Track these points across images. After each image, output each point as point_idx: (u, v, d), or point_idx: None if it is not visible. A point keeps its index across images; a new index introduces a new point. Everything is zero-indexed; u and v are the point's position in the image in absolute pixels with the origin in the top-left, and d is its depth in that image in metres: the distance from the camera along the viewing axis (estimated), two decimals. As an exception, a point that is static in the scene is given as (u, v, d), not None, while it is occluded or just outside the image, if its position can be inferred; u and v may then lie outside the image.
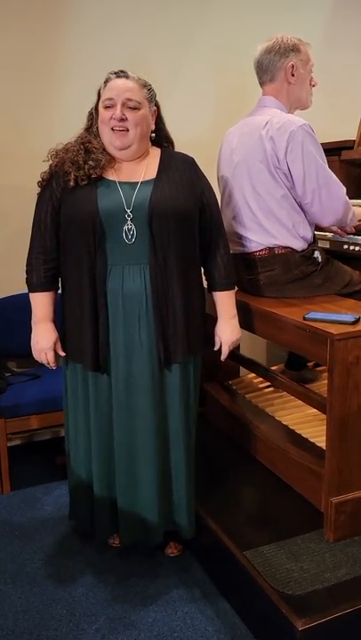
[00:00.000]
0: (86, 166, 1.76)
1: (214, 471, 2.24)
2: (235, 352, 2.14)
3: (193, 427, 1.96)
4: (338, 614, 1.56)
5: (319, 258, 2.19)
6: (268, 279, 2.20)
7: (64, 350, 1.91)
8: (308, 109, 2.29)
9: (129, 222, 1.75)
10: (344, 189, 2.12)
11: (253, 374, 2.66)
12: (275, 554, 1.77)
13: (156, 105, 1.87)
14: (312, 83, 2.22)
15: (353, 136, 2.74)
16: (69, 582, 2.00)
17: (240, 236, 2.23)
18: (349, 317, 1.84)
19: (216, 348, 2.00)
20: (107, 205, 1.75)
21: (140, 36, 2.78)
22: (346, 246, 2.43)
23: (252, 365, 2.52)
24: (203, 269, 1.96)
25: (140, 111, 1.78)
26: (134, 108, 1.77)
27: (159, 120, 1.90)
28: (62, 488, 2.51)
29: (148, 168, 1.83)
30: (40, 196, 1.85)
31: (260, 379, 2.62)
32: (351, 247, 2.41)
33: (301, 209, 2.15)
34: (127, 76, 1.79)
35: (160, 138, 1.92)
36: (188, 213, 1.82)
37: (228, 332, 1.97)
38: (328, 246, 2.49)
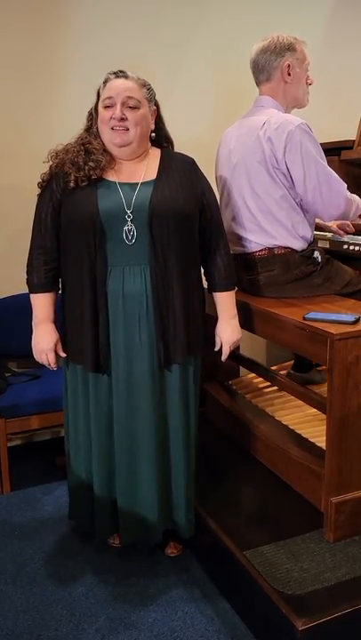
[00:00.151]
0: (86, 167, 1.76)
1: (214, 471, 2.24)
2: (235, 352, 2.14)
3: (193, 427, 1.96)
4: (338, 614, 1.57)
5: (319, 258, 2.20)
6: (267, 279, 2.20)
7: (64, 351, 1.91)
8: (307, 109, 2.29)
9: (129, 223, 1.75)
10: (345, 185, 2.12)
11: (253, 374, 2.66)
12: (275, 554, 1.77)
13: (156, 104, 1.87)
14: (308, 81, 2.22)
15: (353, 136, 2.74)
16: (69, 582, 2.00)
17: (240, 237, 2.23)
18: (349, 317, 1.84)
19: (217, 349, 2.00)
20: (107, 206, 1.75)
21: (140, 35, 2.78)
22: (346, 246, 2.43)
23: (252, 365, 2.52)
24: (203, 270, 1.96)
25: (139, 110, 1.78)
26: (134, 108, 1.77)
27: (159, 120, 1.90)
28: (62, 488, 2.51)
29: (148, 169, 1.83)
30: (40, 196, 1.85)
31: (260, 379, 2.62)
32: (351, 247, 2.41)
33: (301, 209, 2.15)
34: (126, 76, 1.79)
35: (160, 137, 1.92)
36: (189, 214, 1.82)
37: (228, 332, 1.97)
38: (328, 246, 2.50)
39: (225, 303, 1.97)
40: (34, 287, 1.87)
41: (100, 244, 1.76)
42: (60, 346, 1.90)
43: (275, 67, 2.14)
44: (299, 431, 2.22)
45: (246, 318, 2.17)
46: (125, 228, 1.76)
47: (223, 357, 2.00)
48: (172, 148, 1.97)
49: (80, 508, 2.05)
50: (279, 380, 2.31)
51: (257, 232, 2.18)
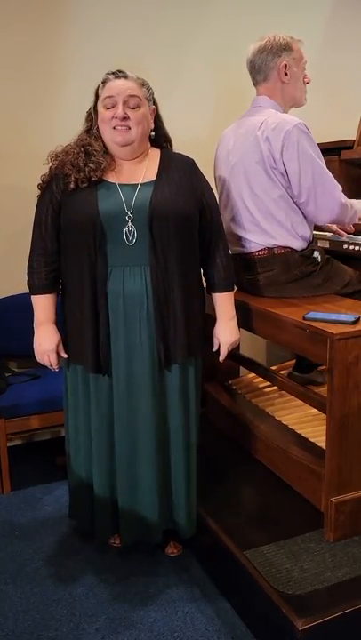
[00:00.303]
0: (87, 169, 1.76)
1: (214, 471, 2.24)
2: (235, 352, 2.14)
3: (194, 427, 1.96)
4: (338, 614, 1.56)
5: (319, 258, 2.20)
6: (267, 279, 2.20)
7: (65, 352, 1.91)
8: (307, 109, 2.29)
9: (129, 224, 1.75)
10: (340, 188, 2.12)
11: (253, 374, 2.66)
12: (275, 554, 1.77)
13: (155, 103, 1.87)
14: (306, 80, 2.22)
15: (352, 136, 2.74)
16: (69, 582, 2.00)
17: (239, 237, 2.23)
18: (349, 317, 1.84)
19: (215, 349, 2.00)
20: (107, 207, 1.75)
21: (140, 35, 2.78)
22: (345, 246, 2.43)
23: (252, 365, 2.52)
24: (202, 270, 1.96)
25: (140, 109, 1.78)
26: (135, 107, 1.77)
27: (157, 119, 1.90)
28: (62, 488, 2.51)
29: (148, 169, 1.83)
30: (40, 198, 1.85)
31: (260, 379, 2.62)
32: (351, 247, 2.41)
33: (300, 208, 2.15)
34: (126, 76, 1.79)
35: (159, 137, 1.92)
36: (189, 215, 1.82)
37: (226, 333, 1.97)
38: (328, 246, 2.50)
39: (224, 304, 1.97)
40: (35, 289, 1.87)
41: (100, 245, 1.76)
42: (61, 347, 1.90)
43: (272, 67, 2.14)
44: (299, 431, 2.22)
45: (246, 318, 2.17)
46: (126, 228, 1.76)
47: (221, 358, 2.00)
48: (171, 146, 1.97)
49: (80, 507, 2.05)
50: (279, 380, 2.31)
51: (256, 232, 2.18)
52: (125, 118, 1.76)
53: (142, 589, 1.96)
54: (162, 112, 1.92)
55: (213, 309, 2.00)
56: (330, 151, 2.66)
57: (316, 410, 2.08)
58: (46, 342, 1.88)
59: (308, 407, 2.25)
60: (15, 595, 1.96)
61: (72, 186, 1.76)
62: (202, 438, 2.01)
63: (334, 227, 2.43)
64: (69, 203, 1.79)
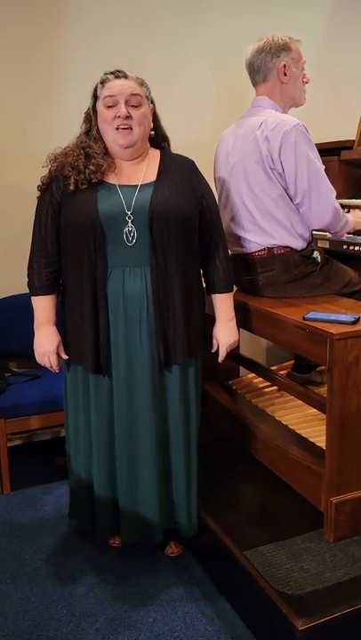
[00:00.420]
0: (87, 171, 1.76)
1: (214, 471, 2.24)
2: (234, 352, 2.14)
3: (194, 427, 1.96)
4: (338, 614, 1.56)
5: (318, 258, 2.20)
6: (267, 279, 2.20)
7: (65, 353, 1.91)
8: (307, 110, 2.29)
9: (129, 224, 1.75)
10: (334, 193, 2.11)
11: (253, 374, 2.66)
12: (275, 554, 1.77)
13: (152, 102, 1.87)
14: (305, 80, 2.22)
15: (352, 136, 2.74)
16: (69, 582, 2.00)
17: (239, 237, 2.23)
18: (349, 317, 1.84)
19: (214, 350, 2.00)
20: (107, 208, 1.75)
21: (139, 35, 2.78)
22: (345, 246, 2.44)
23: (251, 365, 2.52)
24: (201, 271, 1.96)
25: (142, 108, 1.78)
26: (137, 106, 1.77)
27: (155, 118, 1.90)
28: (62, 488, 2.51)
29: (147, 170, 1.83)
30: (40, 199, 1.85)
31: (260, 379, 2.62)
32: (351, 247, 2.41)
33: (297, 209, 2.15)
34: (126, 76, 1.79)
35: (157, 136, 1.91)
36: (188, 215, 1.82)
37: (226, 334, 1.97)
38: (328, 246, 2.50)
39: (223, 305, 1.97)
40: (35, 290, 1.87)
41: (100, 246, 1.76)
42: (62, 348, 1.90)
43: (271, 67, 2.14)
44: (299, 431, 2.22)
45: (246, 318, 2.17)
46: (125, 229, 1.75)
47: (220, 359, 2.00)
48: (169, 145, 1.96)
49: (81, 507, 2.05)
50: (279, 380, 2.31)
51: (256, 232, 2.18)
52: (128, 117, 1.75)
53: (142, 589, 1.96)
54: (162, 112, 1.92)
55: (213, 309, 2.00)
56: (330, 151, 2.66)
57: (315, 410, 2.08)
58: (46, 344, 1.88)
59: (307, 407, 2.25)
60: (15, 595, 1.96)
61: (72, 187, 1.76)
62: (202, 438, 2.01)
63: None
64: (69, 204, 1.79)
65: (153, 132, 1.87)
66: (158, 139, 1.92)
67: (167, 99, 2.03)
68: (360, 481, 1.85)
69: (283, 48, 2.13)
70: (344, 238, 2.42)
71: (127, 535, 1.97)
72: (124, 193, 1.78)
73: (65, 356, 1.90)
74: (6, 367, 2.75)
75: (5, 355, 2.74)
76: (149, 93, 1.84)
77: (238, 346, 2.20)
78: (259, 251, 2.19)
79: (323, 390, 2.06)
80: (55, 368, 1.90)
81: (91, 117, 1.84)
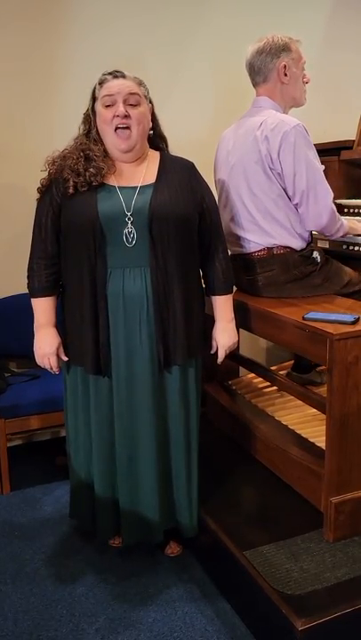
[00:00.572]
0: (87, 173, 1.75)
1: (214, 471, 2.24)
2: (234, 352, 2.14)
3: (194, 428, 1.96)
4: (338, 614, 1.57)
5: (318, 258, 2.20)
6: (267, 279, 2.20)
7: (65, 354, 1.91)
8: (307, 109, 2.29)
9: (129, 226, 1.75)
10: (332, 195, 2.11)
11: (253, 374, 2.66)
12: (275, 554, 1.77)
13: (150, 102, 1.87)
14: (305, 80, 2.21)
15: (352, 136, 2.73)
16: (69, 582, 2.00)
17: (238, 237, 2.23)
18: (349, 317, 1.84)
19: (213, 352, 2.00)
20: (106, 209, 1.75)
21: (139, 34, 2.78)
22: (345, 246, 2.43)
23: (251, 365, 2.52)
24: (201, 273, 1.96)
25: (140, 108, 1.78)
26: (136, 105, 1.77)
27: (153, 118, 1.89)
28: (62, 488, 2.51)
29: (147, 172, 1.83)
30: (40, 201, 1.85)
31: (260, 379, 2.62)
32: (350, 247, 2.41)
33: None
34: (124, 76, 1.79)
35: (155, 136, 1.91)
36: (188, 217, 1.82)
37: (225, 336, 1.98)
38: (327, 246, 2.50)
39: (222, 307, 1.97)
40: (35, 291, 1.87)
41: (100, 247, 1.76)
42: (61, 349, 1.90)
43: (271, 68, 2.14)
44: (299, 431, 2.22)
45: (246, 318, 2.17)
46: (125, 230, 1.75)
47: (219, 360, 2.01)
48: (167, 145, 1.96)
49: (81, 507, 2.05)
50: (279, 381, 2.31)
51: (256, 232, 2.18)
52: (127, 116, 1.75)
53: (142, 589, 1.96)
54: (161, 112, 1.92)
55: (212, 310, 2.00)
56: (330, 151, 2.66)
57: (315, 410, 2.08)
58: (46, 345, 1.88)
59: (307, 407, 2.25)
60: (15, 595, 1.96)
61: (71, 190, 1.75)
62: (202, 438, 2.01)
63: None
64: (69, 205, 1.79)
65: (152, 132, 1.87)
66: (156, 139, 1.92)
67: (167, 99, 2.02)
68: (360, 481, 1.85)
69: (283, 48, 2.13)
70: (344, 239, 2.41)
71: (127, 535, 1.97)
72: (123, 194, 1.77)
73: (65, 358, 1.90)
74: (6, 367, 2.75)
75: (5, 355, 2.75)
76: (148, 93, 1.84)
77: (238, 346, 2.20)
78: (258, 251, 2.19)
79: (322, 390, 2.06)
80: (55, 370, 1.90)
81: (90, 119, 1.84)
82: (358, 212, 2.55)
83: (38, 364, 1.92)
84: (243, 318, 2.15)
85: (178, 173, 1.85)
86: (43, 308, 1.88)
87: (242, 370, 2.75)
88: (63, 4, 2.66)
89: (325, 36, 3.14)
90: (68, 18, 2.67)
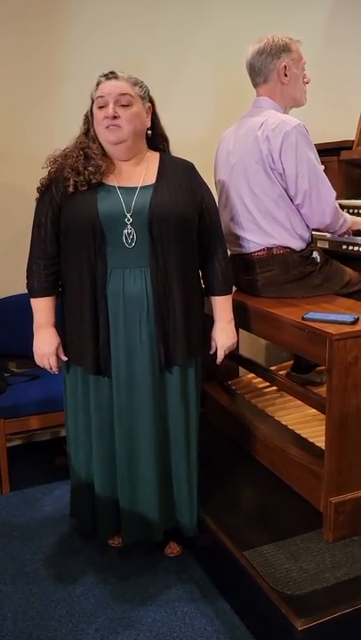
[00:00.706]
0: (86, 172, 1.76)
1: (214, 471, 2.24)
2: (234, 352, 2.14)
3: (194, 428, 1.96)
4: (337, 614, 1.57)
5: (318, 258, 2.20)
6: (266, 280, 2.20)
7: (65, 354, 1.91)
8: (307, 109, 2.29)
9: (129, 226, 1.76)
10: (334, 194, 2.11)
11: (253, 374, 2.66)
12: (274, 554, 1.77)
13: (151, 101, 1.87)
14: (305, 80, 2.21)
15: (352, 136, 2.73)
16: (69, 582, 2.00)
17: (238, 237, 2.23)
18: (348, 317, 1.84)
19: (212, 352, 2.00)
20: (106, 210, 1.75)
21: (139, 34, 2.78)
22: (345, 246, 2.43)
23: (251, 365, 2.52)
24: (201, 273, 1.96)
25: (132, 108, 1.78)
26: (127, 105, 1.77)
27: (154, 117, 1.89)
28: (62, 488, 2.51)
29: (147, 172, 1.83)
30: (39, 201, 1.85)
31: (260, 379, 2.62)
32: (350, 247, 2.41)
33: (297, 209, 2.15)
34: (117, 77, 1.79)
35: (156, 136, 1.91)
36: (188, 218, 1.82)
37: (224, 336, 1.98)
38: (327, 246, 2.50)
39: (222, 307, 1.97)
40: (34, 291, 1.87)
41: (99, 247, 1.76)
42: (61, 350, 1.90)
43: (271, 69, 2.14)
44: (298, 431, 2.22)
45: (245, 318, 2.17)
46: (125, 231, 1.76)
47: (218, 361, 2.01)
48: (168, 146, 1.96)
49: (81, 507, 2.05)
50: (279, 381, 2.31)
51: (256, 232, 2.18)
52: (115, 117, 1.76)
53: (142, 589, 1.96)
54: (162, 112, 1.92)
55: (212, 310, 2.00)
56: (330, 151, 2.66)
57: (315, 410, 2.08)
58: (46, 345, 1.88)
59: (307, 407, 2.25)
60: (15, 595, 1.96)
61: (71, 189, 1.76)
62: (202, 438, 2.01)
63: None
64: (69, 205, 1.79)
65: (150, 132, 1.87)
66: (157, 139, 1.92)
67: (167, 99, 2.02)
68: (359, 481, 1.85)
69: (283, 49, 2.13)
70: (344, 239, 2.41)
71: (128, 534, 1.97)
72: (123, 194, 1.78)
73: (64, 358, 1.90)
74: (6, 367, 2.75)
75: (5, 355, 2.75)
76: (146, 93, 1.84)
77: (238, 346, 2.20)
78: (258, 251, 2.19)
79: (322, 390, 2.06)
80: (55, 370, 1.90)
81: (89, 119, 1.85)
82: (358, 212, 2.55)
83: (38, 364, 1.92)
84: (242, 318, 2.15)
85: (178, 174, 1.85)
86: (42, 309, 1.88)
87: (242, 370, 2.75)
88: (63, 5, 2.66)
89: (325, 36, 3.14)
90: (68, 18, 2.67)
